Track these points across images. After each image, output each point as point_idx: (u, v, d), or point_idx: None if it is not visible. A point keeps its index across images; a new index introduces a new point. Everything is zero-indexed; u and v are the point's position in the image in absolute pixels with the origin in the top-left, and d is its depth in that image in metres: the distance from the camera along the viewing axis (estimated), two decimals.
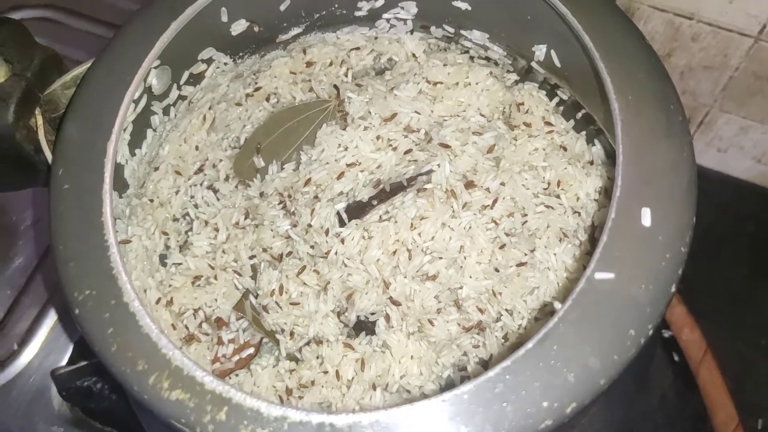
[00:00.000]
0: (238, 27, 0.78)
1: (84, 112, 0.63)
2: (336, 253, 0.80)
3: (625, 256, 0.52)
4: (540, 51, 0.77)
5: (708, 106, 1.13)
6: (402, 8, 0.82)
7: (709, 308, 1.04)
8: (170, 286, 0.82)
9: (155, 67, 0.71)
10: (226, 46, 0.79)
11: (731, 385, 1.00)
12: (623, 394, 0.75)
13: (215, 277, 0.84)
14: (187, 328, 0.81)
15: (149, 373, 0.52)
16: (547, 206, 0.80)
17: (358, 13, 0.84)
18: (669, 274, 0.52)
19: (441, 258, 0.79)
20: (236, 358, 0.80)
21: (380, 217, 0.81)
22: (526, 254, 0.79)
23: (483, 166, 0.82)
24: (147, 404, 0.51)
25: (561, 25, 0.68)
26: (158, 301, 0.80)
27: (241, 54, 0.82)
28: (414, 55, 0.88)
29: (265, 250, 0.84)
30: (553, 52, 0.76)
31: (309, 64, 0.88)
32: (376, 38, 0.88)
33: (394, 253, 0.79)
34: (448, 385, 0.80)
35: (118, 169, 0.71)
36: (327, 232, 0.80)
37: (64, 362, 0.93)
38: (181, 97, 0.78)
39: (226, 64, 0.81)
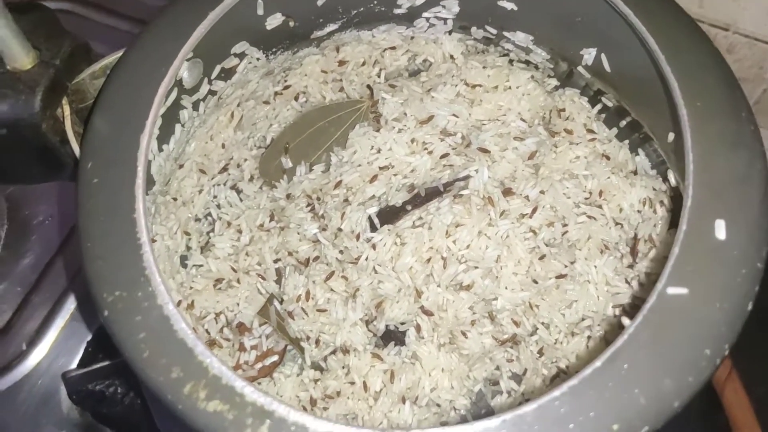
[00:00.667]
0: (274, 21, 0.74)
1: (115, 104, 0.60)
2: (366, 259, 0.76)
3: (699, 271, 0.49)
4: (589, 55, 0.74)
5: None
6: (443, 7, 0.79)
7: None
8: (191, 288, 0.79)
9: (188, 60, 0.67)
10: (260, 40, 0.76)
11: (756, 405, 0.97)
12: None
13: (238, 281, 0.80)
14: (208, 332, 0.77)
15: (184, 381, 0.48)
16: (589, 216, 0.77)
17: (397, 11, 0.80)
18: (745, 291, 0.49)
19: (477, 267, 0.76)
20: (259, 365, 0.77)
21: (414, 223, 0.77)
22: (565, 266, 0.76)
23: (522, 173, 0.79)
24: (181, 415, 0.47)
25: (616, 27, 0.65)
26: (179, 303, 0.77)
27: (273, 50, 0.79)
28: (452, 56, 0.84)
29: (290, 254, 0.81)
30: (603, 56, 0.72)
31: (341, 63, 0.85)
32: (412, 38, 0.85)
33: (428, 260, 0.76)
34: (479, 400, 0.77)
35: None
36: (358, 237, 0.77)
37: (74, 364, 0.89)
38: (211, 92, 0.75)
39: (258, 59, 0.77)
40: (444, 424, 0.74)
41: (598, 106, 0.81)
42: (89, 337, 0.91)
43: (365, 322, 0.78)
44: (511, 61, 0.84)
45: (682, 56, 0.57)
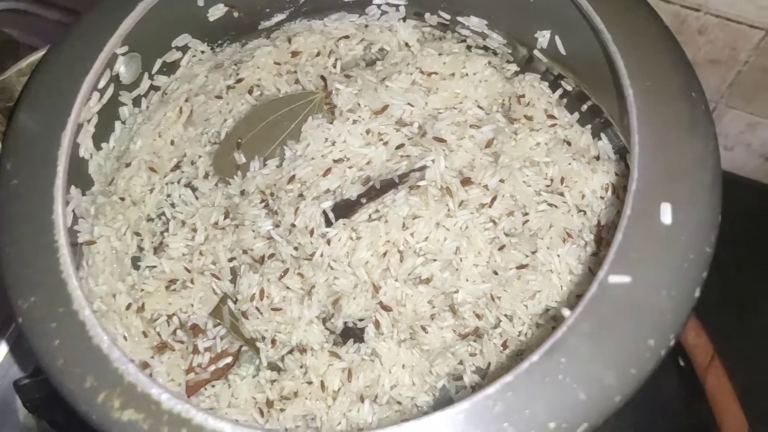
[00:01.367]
0: (216, 12, 0.72)
1: (38, 101, 0.57)
2: (321, 255, 0.74)
3: (643, 258, 0.46)
4: (543, 38, 0.71)
5: (714, 102, 1.08)
6: None
7: (714, 312, 0.99)
8: (142, 290, 0.76)
9: (123, 54, 0.65)
10: (203, 32, 0.73)
11: (740, 391, 0.94)
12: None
13: (192, 281, 0.78)
14: (159, 335, 0.75)
15: (98, 390, 0.45)
16: (550, 204, 0.75)
17: None
18: (692, 277, 0.46)
19: (435, 260, 0.73)
20: (213, 367, 0.74)
21: (369, 216, 0.75)
22: (527, 256, 0.73)
23: (481, 161, 0.76)
24: (95, 425, 0.45)
25: (567, 7, 0.63)
26: (129, 306, 0.74)
27: (219, 42, 0.76)
28: (407, 44, 0.82)
29: (245, 252, 0.78)
30: (557, 39, 0.70)
31: (294, 54, 0.82)
32: (366, 26, 0.82)
33: (385, 254, 0.73)
34: (443, 396, 0.74)
35: (82, 164, 0.65)
36: (312, 233, 0.74)
37: (29, 371, 0.86)
38: (154, 88, 0.72)
39: (203, 52, 0.75)
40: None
41: (559, 91, 0.79)
42: None
43: (322, 320, 0.75)
44: (468, 47, 0.81)
45: (629, 35, 0.55)
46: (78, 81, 0.56)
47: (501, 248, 0.74)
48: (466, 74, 0.79)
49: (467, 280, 0.74)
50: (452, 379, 0.74)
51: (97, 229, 0.71)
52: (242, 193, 0.80)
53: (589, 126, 0.78)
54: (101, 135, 0.67)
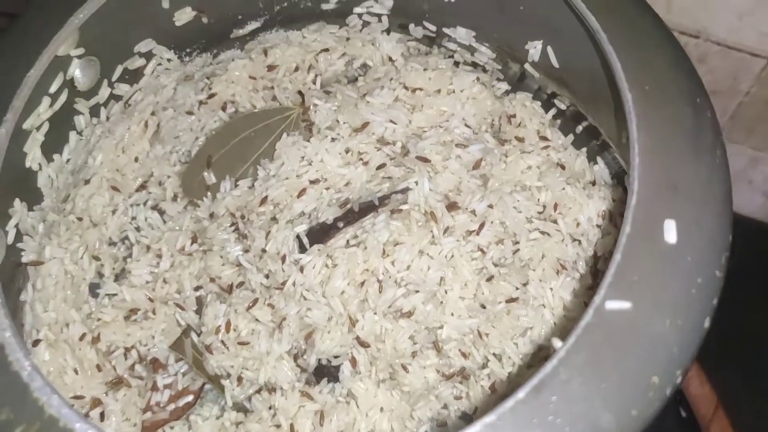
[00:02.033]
0: (183, 16, 0.67)
1: None
2: (294, 284, 0.68)
3: (645, 281, 0.41)
4: (535, 49, 0.66)
5: None
6: (376, 1, 0.71)
7: (717, 355, 0.93)
8: (99, 319, 0.70)
9: (78, 57, 0.59)
10: (170, 39, 0.68)
11: (723, 398, 0.89)
12: None
13: (153, 311, 0.72)
14: (115, 369, 0.69)
15: (14, 424, 0.39)
16: (543, 232, 0.69)
17: (325, 6, 0.73)
18: (701, 304, 0.40)
19: (417, 291, 0.67)
20: (172, 406, 0.68)
21: (347, 242, 0.69)
22: (517, 288, 0.68)
23: (468, 185, 0.71)
24: None
25: (559, 12, 0.58)
26: (83, 337, 0.68)
27: (188, 50, 0.71)
28: (391, 58, 0.77)
29: (212, 280, 0.72)
30: (550, 50, 0.65)
31: (271, 68, 0.77)
32: (348, 39, 0.77)
33: (363, 284, 0.67)
34: None
35: (28, 175, 0.59)
36: (284, 259, 0.69)
37: None
38: (114, 97, 0.67)
39: (169, 60, 0.70)
40: None
41: (552, 111, 0.74)
42: None
43: (293, 356, 0.69)
44: (456, 63, 0.76)
45: (626, 36, 0.50)
46: (18, 77, 0.51)
47: (489, 279, 0.68)
48: (453, 91, 0.74)
49: (452, 315, 0.68)
50: (436, 425, 0.68)
51: (49, 250, 0.65)
52: (211, 215, 0.74)
53: (584, 149, 0.72)
54: (53, 145, 0.61)
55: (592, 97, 0.64)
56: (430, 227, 0.68)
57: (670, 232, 0.41)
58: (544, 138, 0.73)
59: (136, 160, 0.73)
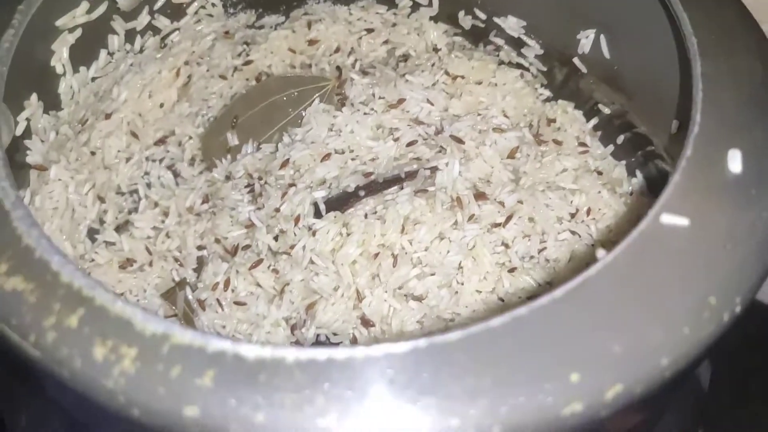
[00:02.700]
0: None
1: None
2: (304, 248, 0.63)
3: (705, 203, 0.37)
4: (587, 39, 0.64)
5: None
6: None
7: None
8: (92, 260, 0.66)
9: None
10: None
11: None
12: None
13: (150, 264, 0.68)
14: None
15: None
16: (573, 232, 0.65)
17: None
18: (764, 237, 0.36)
19: (433, 274, 0.63)
20: None
21: (366, 215, 0.65)
22: (539, 285, 0.62)
23: (499, 176, 0.67)
24: None
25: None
26: None
27: (234, 0, 0.70)
28: (435, 47, 0.75)
29: (217, 241, 0.68)
30: (602, 39, 0.63)
31: (312, 42, 0.76)
32: (394, 25, 0.76)
33: (376, 256, 0.63)
34: None
35: (51, 77, 0.57)
36: (297, 221, 0.65)
37: None
38: (152, 28, 0.65)
39: (213, 5, 0.68)
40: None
41: (594, 120, 0.71)
42: None
43: (291, 326, 0.64)
44: (501, 63, 0.74)
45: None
46: None
47: (512, 270, 0.63)
48: (495, 84, 0.71)
49: (467, 307, 0.63)
50: None
51: (55, 169, 0.61)
52: (227, 177, 0.71)
53: (624, 162, 0.69)
54: (81, 56, 0.59)
55: (639, 88, 0.62)
56: (455, 212, 0.64)
57: (735, 161, 0.38)
58: (582, 144, 0.70)
59: (161, 106, 0.70)
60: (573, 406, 0.31)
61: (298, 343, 0.64)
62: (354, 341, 0.63)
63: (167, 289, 0.66)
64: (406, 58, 0.76)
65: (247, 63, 0.75)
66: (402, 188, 0.66)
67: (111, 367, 0.31)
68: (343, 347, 0.33)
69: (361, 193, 0.66)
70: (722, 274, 0.35)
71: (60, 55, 0.56)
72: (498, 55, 0.74)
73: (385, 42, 0.76)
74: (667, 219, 0.36)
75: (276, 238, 0.65)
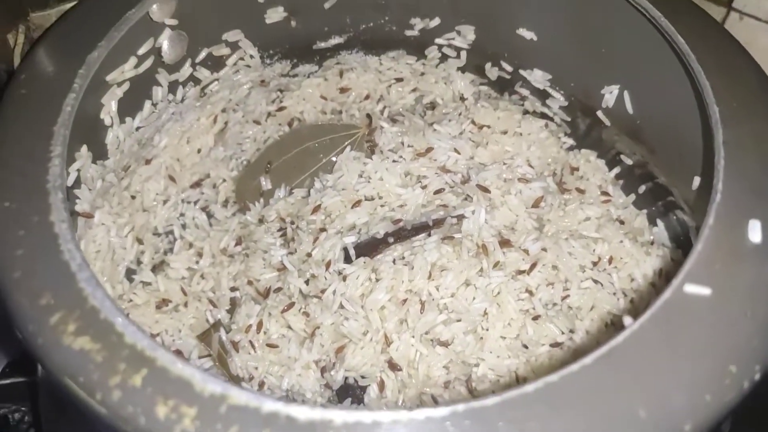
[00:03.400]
0: (274, 15, 0.69)
1: (65, 33, 0.53)
2: (334, 293, 0.66)
3: (726, 273, 0.39)
4: (611, 94, 0.67)
5: None
6: (458, 32, 0.73)
7: None
8: (130, 301, 0.68)
9: (171, 28, 0.61)
10: (256, 36, 0.70)
11: None
12: None
13: (185, 305, 0.70)
14: None
15: (53, 309, 0.37)
16: (596, 281, 0.66)
17: (409, 33, 0.74)
18: None
19: (459, 320, 0.65)
20: None
21: (394, 260, 0.67)
22: (563, 333, 0.64)
23: (524, 224, 0.69)
24: (38, 352, 0.36)
25: (640, 55, 0.59)
26: None
27: (270, 52, 0.73)
28: (462, 96, 0.78)
29: (250, 283, 0.71)
30: (626, 95, 0.65)
31: (343, 90, 0.78)
32: (422, 74, 0.79)
33: (404, 302, 0.65)
34: None
35: (99, 128, 0.60)
36: (328, 266, 0.67)
37: None
38: (194, 79, 0.68)
39: (252, 57, 0.71)
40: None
41: (616, 170, 0.73)
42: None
43: (321, 369, 0.66)
44: (526, 112, 0.77)
45: (714, 60, 0.49)
46: (107, 25, 0.52)
47: (536, 318, 0.65)
48: (521, 134, 0.74)
49: (491, 353, 0.65)
50: None
51: (99, 214, 0.64)
52: (260, 220, 0.74)
53: (645, 211, 0.71)
54: (127, 107, 0.62)
55: (661, 141, 0.64)
56: (480, 259, 0.66)
57: (755, 232, 0.40)
58: (605, 193, 0.72)
59: (199, 151, 0.73)
60: None
61: (327, 385, 0.66)
62: (381, 385, 0.65)
63: (202, 331, 0.69)
64: (433, 106, 0.79)
65: (281, 109, 0.78)
66: (429, 235, 0.68)
67: (173, 426, 0.33)
68: (387, 411, 0.35)
69: (390, 239, 0.68)
70: (743, 342, 0.36)
71: (109, 108, 0.59)
72: (523, 105, 0.77)
73: (414, 90, 0.79)
74: (691, 289, 0.38)
75: (307, 282, 0.68)
